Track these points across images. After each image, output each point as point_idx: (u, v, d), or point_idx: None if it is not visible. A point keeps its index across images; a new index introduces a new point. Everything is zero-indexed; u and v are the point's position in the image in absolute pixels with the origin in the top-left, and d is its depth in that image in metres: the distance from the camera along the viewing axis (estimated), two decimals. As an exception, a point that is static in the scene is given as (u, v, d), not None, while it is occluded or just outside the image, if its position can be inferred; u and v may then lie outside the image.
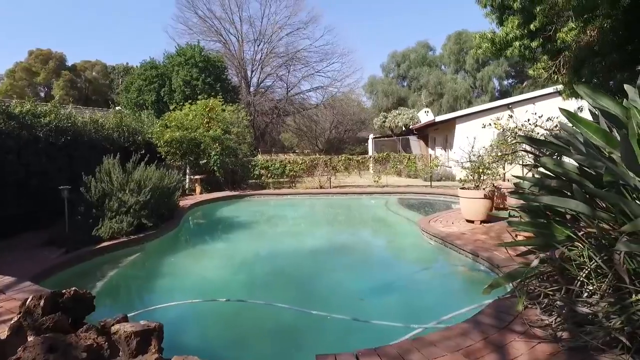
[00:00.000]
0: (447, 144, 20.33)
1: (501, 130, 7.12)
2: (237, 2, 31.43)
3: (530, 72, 6.15)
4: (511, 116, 7.19)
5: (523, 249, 3.45)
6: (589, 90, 2.66)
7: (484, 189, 7.76)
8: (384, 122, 28.97)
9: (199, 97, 20.07)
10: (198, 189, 14.08)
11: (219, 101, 15.94)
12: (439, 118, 18.78)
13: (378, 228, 10.37)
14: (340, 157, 16.55)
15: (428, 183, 16.03)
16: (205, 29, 31.24)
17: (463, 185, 8.11)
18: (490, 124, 7.23)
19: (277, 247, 8.29)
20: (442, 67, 46.00)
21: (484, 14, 7.04)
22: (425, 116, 31.71)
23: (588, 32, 4.98)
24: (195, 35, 30.71)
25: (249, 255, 7.56)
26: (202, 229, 10.48)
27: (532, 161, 3.42)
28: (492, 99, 41.46)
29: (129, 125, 14.15)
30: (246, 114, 18.00)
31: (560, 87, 6.95)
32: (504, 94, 43.27)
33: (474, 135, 8.61)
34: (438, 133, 22.60)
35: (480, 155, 8.06)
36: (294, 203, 14.03)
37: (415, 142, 27.25)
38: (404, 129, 28.81)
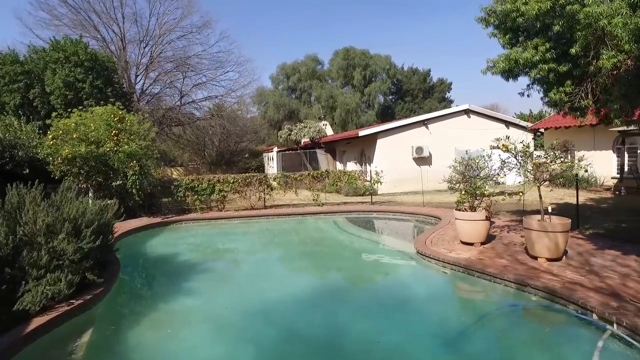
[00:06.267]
0: (364, 158, 20.57)
1: (505, 150, 7.04)
2: (119, -5, 27.26)
3: (551, 95, 6.14)
4: (508, 137, 7.18)
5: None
6: None
7: (482, 209, 7.62)
8: (289, 135, 28.30)
9: (85, 102, 16.60)
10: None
11: (119, 109, 13.17)
12: (362, 132, 18.83)
13: (361, 258, 8.84)
14: (277, 174, 15.21)
15: (357, 199, 15.90)
16: (77, 22, 26.28)
17: (458, 206, 7.86)
18: (498, 147, 7.10)
19: (258, 296, 6.30)
20: (330, 81, 47.52)
21: (488, 34, 6.91)
22: (323, 129, 32.10)
23: (629, 60, 5.09)
24: (65, 27, 25.65)
25: (234, 314, 5.51)
26: (148, 274, 8.11)
27: None
28: (378, 113, 44.52)
29: (2, 137, 10.64)
30: (152, 125, 15.30)
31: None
32: (387, 108, 46.88)
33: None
34: (350, 147, 22.81)
35: (471, 177, 7.95)
36: (232, 230, 12.02)
37: (322, 156, 27.15)
38: (302, 142, 28.49)
